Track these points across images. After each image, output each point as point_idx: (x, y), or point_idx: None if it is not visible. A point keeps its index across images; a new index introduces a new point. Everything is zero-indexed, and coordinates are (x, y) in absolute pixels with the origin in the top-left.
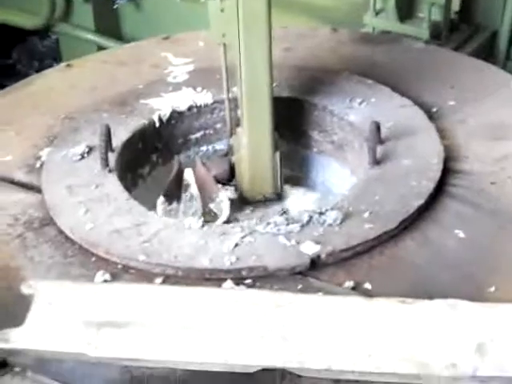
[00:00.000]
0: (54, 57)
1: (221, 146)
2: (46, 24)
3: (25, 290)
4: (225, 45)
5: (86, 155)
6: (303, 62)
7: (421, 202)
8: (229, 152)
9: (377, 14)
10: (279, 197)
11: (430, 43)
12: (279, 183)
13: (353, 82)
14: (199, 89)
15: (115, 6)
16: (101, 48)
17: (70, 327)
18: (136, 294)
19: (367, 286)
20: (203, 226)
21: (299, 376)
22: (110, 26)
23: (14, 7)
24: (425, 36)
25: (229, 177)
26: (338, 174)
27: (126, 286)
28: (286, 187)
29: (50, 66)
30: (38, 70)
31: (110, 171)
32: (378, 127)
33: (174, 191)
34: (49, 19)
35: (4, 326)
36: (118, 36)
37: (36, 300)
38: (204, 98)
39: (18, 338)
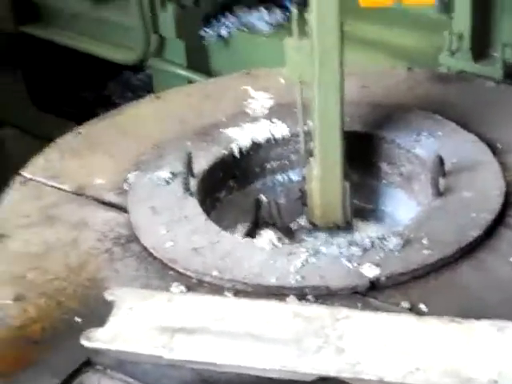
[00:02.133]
0: (147, 90)
1: (295, 175)
2: (141, 59)
3: (108, 296)
4: (300, 81)
5: (169, 180)
6: (378, 99)
7: (478, 232)
8: (302, 181)
9: (452, 54)
10: (348, 225)
11: (502, 82)
12: (349, 212)
13: (421, 118)
14: (277, 122)
15: (205, 43)
16: (190, 82)
17: (147, 331)
18: (208, 304)
19: (422, 307)
20: (273, 245)
21: None
22: (200, 62)
23: (111, 42)
24: (498, 75)
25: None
26: (405, 205)
27: (199, 296)
28: (355, 218)
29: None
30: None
31: (190, 195)
32: (441, 161)
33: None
34: (143, 55)
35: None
36: (207, 71)
37: (117, 305)
38: (281, 130)
39: (99, 338)
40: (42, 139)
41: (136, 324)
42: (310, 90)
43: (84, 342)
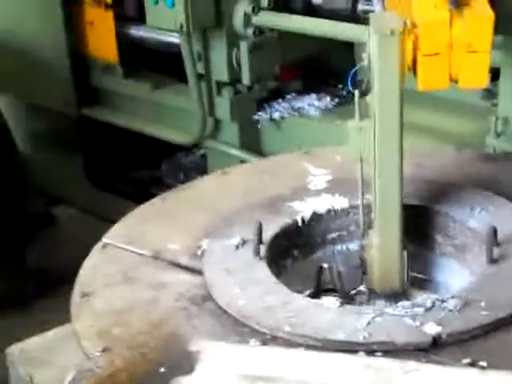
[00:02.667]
0: (198, 171)
1: (353, 245)
2: (197, 141)
3: (193, 347)
4: (361, 159)
5: (240, 246)
6: (431, 176)
7: None
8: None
9: (498, 136)
10: (404, 292)
11: None
12: (405, 279)
13: (473, 194)
14: (336, 195)
15: (258, 126)
16: (243, 162)
17: (230, 379)
18: (283, 356)
19: (482, 363)
20: (340, 306)
21: None
22: (253, 143)
23: (168, 125)
24: None
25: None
26: (457, 274)
27: (275, 349)
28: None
29: (194, 178)
30: (183, 183)
31: (260, 259)
32: (495, 231)
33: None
34: (200, 136)
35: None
36: (259, 152)
37: (202, 356)
38: (340, 203)
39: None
40: (98, 217)
41: (220, 372)
42: (370, 167)
43: None
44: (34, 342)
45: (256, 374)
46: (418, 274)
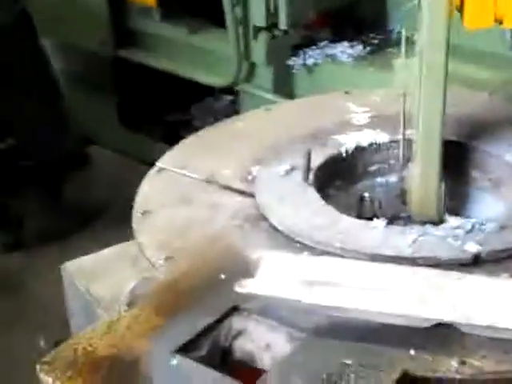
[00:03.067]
0: (227, 115)
1: (393, 178)
2: (232, 83)
3: (254, 255)
4: (405, 94)
5: (289, 172)
6: (466, 116)
7: None
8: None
9: None
10: (441, 221)
11: None
12: (443, 209)
13: (508, 132)
14: (378, 130)
15: (292, 71)
16: None
17: (289, 282)
18: (339, 264)
19: None
20: (386, 226)
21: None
22: (285, 88)
23: (204, 68)
24: None
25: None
26: (493, 207)
27: (329, 258)
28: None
29: None
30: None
31: (309, 184)
32: None
33: None
34: (235, 80)
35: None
36: (292, 96)
37: (261, 263)
38: (382, 137)
39: (251, 286)
40: (130, 157)
41: (280, 277)
42: (413, 103)
43: (238, 289)
44: (89, 259)
45: (314, 279)
46: (454, 206)
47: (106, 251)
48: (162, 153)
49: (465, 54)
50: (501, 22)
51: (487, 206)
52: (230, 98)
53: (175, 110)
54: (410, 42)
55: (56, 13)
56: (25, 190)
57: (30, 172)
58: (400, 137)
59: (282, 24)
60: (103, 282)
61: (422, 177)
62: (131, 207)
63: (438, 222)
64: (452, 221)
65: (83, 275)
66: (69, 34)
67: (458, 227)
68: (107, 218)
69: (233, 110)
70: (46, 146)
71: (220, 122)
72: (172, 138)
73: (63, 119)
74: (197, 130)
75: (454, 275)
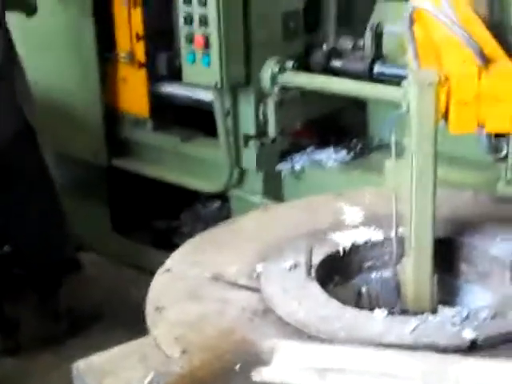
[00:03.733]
0: (215, 221)
1: (387, 273)
2: (223, 189)
3: (266, 345)
4: (396, 194)
5: (292, 268)
6: (452, 213)
7: None
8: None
9: (508, 183)
10: (434, 311)
11: None
12: (435, 300)
13: (492, 227)
14: (372, 229)
15: (282, 175)
16: None
17: (303, 369)
18: (346, 352)
19: None
20: (387, 316)
21: None
22: (275, 191)
23: (195, 174)
24: None
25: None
26: (481, 298)
27: (340, 347)
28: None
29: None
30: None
31: (312, 279)
32: None
33: None
34: (226, 185)
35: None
36: (281, 200)
37: (276, 351)
38: (376, 235)
39: (267, 374)
40: (121, 262)
41: (293, 364)
42: (405, 203)
43: (255, 377)
44: (99, 357)
45: (325, 367)
46: (445, 297)
47: (116, 350)
48: (152, 258)
49: (447, 159)
50: (483, 126)
51: (476, 297)
52: (217, 203)
53: (163, 216)
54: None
55: (53, 123)
56: (19, 295)
57: (24, 277)
58: (393, 234)
59: (271, 133)
60: (115, 379)
61: (415, 271)
62: (124, 311)
63: (432, 312)
64: (445, 311)
65: (94, 373)
66: (64, 145)
67: (454, 315)
68: (101, 322)
69: (221, 216)
70: (44, 252)
71: (214, 226)
72: (162, 243)
73: (61, 226)
74: (186, 235)
75: (453, 359)
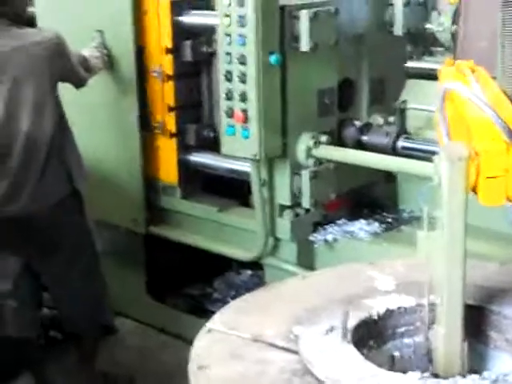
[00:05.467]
0: (247, 289)
1: (419, 338)
2: (258, 257)
3: None
4: (428, 263)
5: (329, 332)
6: (480, 282)
7: None
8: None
9: None
10: (464, 377)
11: None
12: (466, 366)
13: None
14: (403, 295)
15: (314, 246)
16: None
17: None
18: None
19: None
20: (420, 377)
21: None
22: (308, 261)
23: (231, 243)
24: None
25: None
26: (509, 365)
27: None
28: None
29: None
30: (233, 299)
31: (348, 342)
32: None
33: None
34: (261, 254)
35: None
36: (312, 268)
37: None
38: (408, 301)
39: None
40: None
41: None
42: (435, 271)
43: None
44: None
45: None
46: (475, 364)
47: None
48: (185, 324)
49: (475, 231)
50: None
51: (504, 364)
52: (249, 272)
53: (196, 282)
54: (429, 218)
55: (98, 194)
56: (55, 358)
57: (61, 341)
58: (425, 301)
59: (305, 203)
60: None
61: (447, 337)
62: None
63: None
64: (474, 375)
65: None
66: (105, 212)
67: (484, 378)
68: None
69: (253, 283)
70: (83, 316)
71: (246, 293)
72: (195, 309)
73: (102, 291)
74: (219, 302)
75: None
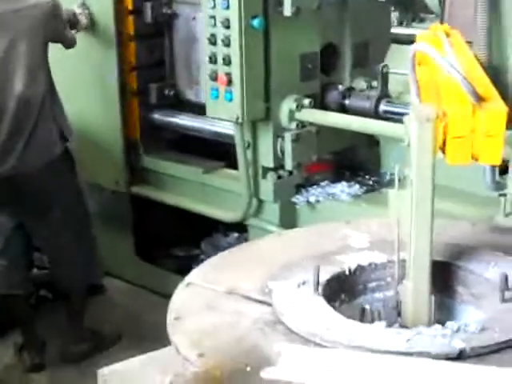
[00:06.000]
0: None
1: (390, 293)
2: (242, 219)
3: (274, 349)
4: (398, 221)
5: (300, 285)
6: (450, 241)
7: None
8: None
9: (507, 216)
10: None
11: None
12: (432, 318)
13: (486, 254)
14: (376, 252)
15: (296, 207)
16: None
17: (306, 369)
18: (344, 356)
19: None
20: (385, 328)
21: None
22: (290, 222)
23: (216, 204)
24: None
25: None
26: (474, 317)
27: (338, 350)
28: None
29: None
30: None
31: (318, 295)
32: (506, 277)
33: None
34: (244, 215)
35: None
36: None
37: (283, 354)
38: (380, 258)
39: (274, 373)
40: (143, 288)
41: (298, 365)
42: (406, 228)
43: (264, 375)
44: (122, 365)
45: (327, 368)
46: (441, 316)
47: (137, 359)
48: (173, 283)
49: (451, 193)
50: (477, 159)
51: (470, 316)
52: (236, 234)
53: (184, 244)
54: (402, 178)
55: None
56: (45, 315)
57: (50, 299)
58: (395, 257)
59: (288, 166)
60: (137, 382)
61: (414, 291)
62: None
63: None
64: (438, 325)
65: (118, 378)
66: (90, 174)
67: (445, 328)
68: (122, 343)
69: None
70: (73, 275)
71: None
72: (183, 270)
73: (92, 251)
74: None
75: (443, 364)
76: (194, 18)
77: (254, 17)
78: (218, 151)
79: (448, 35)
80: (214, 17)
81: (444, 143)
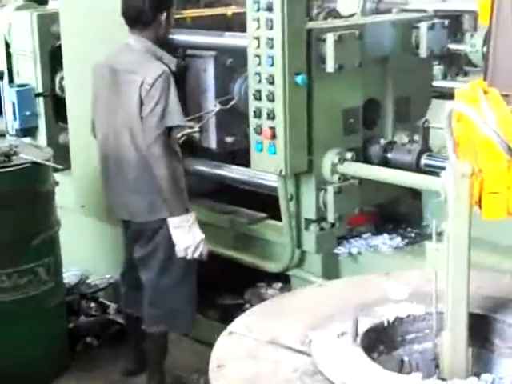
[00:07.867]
0: None
1: (428, 344)
2: (285, 269)
3: None
4: (436, 273)
5: (340, 336)
6: (488, 294)
7: None
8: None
9: None
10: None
11: None
12: (470, 371)
13: None
14: (414, 304)
15: (340, 258)
16: None
17: None
18: None
19: None
20: (422, 379)
21: None
22: (332, 273)
23: (260, 255)
24: None
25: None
26: (510, 369)
27: None
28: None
29: None
30: None
31: (357, 346)
32: None
33: None
34: (287, 266)
35: None
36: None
37: None
38: (418, 309)
39: None
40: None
41: None
42: (443, 281)
43: None
44: None
45: None
46: (479, 369)
47: None
48: (218, 332)
49: (489, 246)
50: None
51: (506, 369)
52: (279, 284)
53: (228, 293)
54: (441, 231)
55: None
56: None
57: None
58: (433, 309)
59: (330, 218)
60: None
61: (452, 344)
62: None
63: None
64: (474, 378)
65: None
66: None
67: (481, 380)
68: None
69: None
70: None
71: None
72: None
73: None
74: None
75: None
76: (204, 70)
77: (298, 74)
78: (258, 201)
79: (485, 92)
80: (259, 73)
81: (480, 198)
